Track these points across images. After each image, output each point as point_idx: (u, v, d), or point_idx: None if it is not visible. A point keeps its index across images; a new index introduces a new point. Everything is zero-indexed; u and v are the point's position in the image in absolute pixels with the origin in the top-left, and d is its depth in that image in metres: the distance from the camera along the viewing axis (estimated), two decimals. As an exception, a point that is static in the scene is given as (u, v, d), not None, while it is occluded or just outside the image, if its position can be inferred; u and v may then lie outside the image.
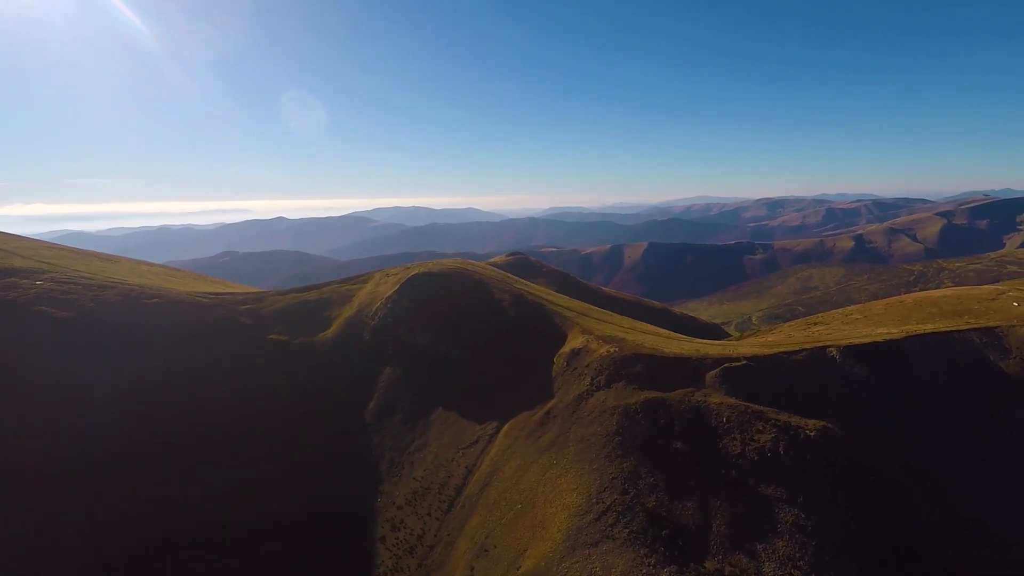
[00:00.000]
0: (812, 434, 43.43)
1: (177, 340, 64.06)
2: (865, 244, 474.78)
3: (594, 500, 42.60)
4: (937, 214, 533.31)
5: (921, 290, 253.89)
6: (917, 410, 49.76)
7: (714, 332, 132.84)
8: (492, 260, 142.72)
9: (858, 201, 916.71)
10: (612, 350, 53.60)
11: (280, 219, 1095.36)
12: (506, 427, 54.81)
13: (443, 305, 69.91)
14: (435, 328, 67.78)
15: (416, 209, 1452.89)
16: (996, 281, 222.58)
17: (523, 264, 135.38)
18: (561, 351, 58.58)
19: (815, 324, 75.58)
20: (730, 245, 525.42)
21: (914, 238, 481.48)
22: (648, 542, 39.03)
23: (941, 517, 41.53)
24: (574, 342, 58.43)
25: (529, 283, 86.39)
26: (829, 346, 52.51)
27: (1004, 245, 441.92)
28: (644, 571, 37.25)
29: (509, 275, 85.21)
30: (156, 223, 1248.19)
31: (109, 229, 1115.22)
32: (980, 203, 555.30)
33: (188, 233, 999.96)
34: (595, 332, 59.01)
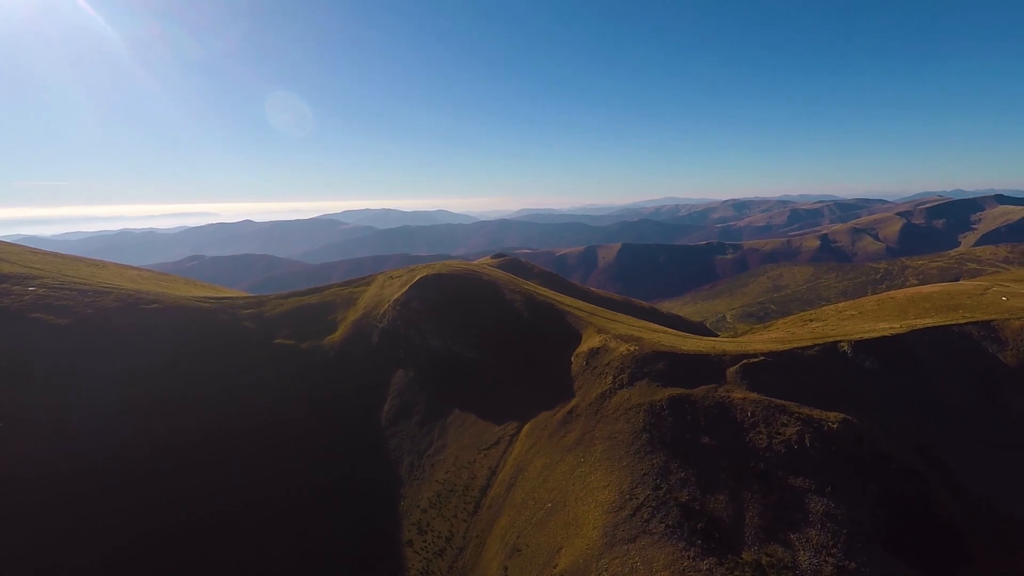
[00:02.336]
0: (835, 426, 44.93)
1: (181, 345, 62.42)
2: (830, 243, 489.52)
3: (627, 496, 43.08)
4: (897, 214, 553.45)
5: (888, 287, 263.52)
6: (925, 401, 51.90)
7: (701, 330, 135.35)
8: (481, 261, 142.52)
9: (820, 202, 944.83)
10: (632, 348, 54.38)
11: (247, 222, 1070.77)
12: (527, 427, 55.01)
13: (454, 306, 69.74)
14: (447, 329, 67.59)
15: (386, 211, 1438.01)
16: (958, 278, 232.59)
17: (515, 265, 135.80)
18: (579, 350, 59.12)
19: (812, 320, 77.95)
20: (701, 245, 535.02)
21: (876, 237, 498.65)
22: (685, 535, 39.68)
23: (957, 502, 43.43)
24: (591, 341, 59.05)
25: (535, 284, 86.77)
26: (840, 341, 54.33)
27: (960, 243, 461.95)
28: (684, 564, 37.82)
29: (515, 276, 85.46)
30: (115, 227, 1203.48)
31: (65, 233, 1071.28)
32: (936, 203, 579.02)
33: (150, 237, 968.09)
34: (611, 331, 59.74)
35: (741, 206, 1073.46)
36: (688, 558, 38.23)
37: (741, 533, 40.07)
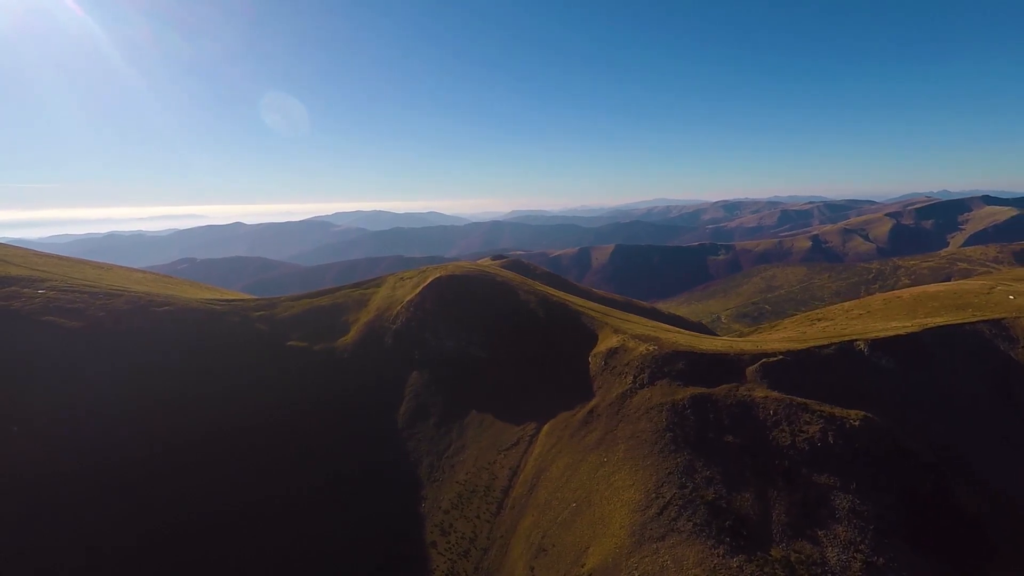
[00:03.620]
0: (856, 423, 45.48)
1: (194, 348, 61.97)
2: (822, 244, 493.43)
3: (653, 495, 43.37)
4: (886, 215, 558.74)
5: (880, 287, 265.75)
6: (940, 398, 52.58)
7: (702, 331, 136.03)
8: (482, 262, 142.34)
9: (810, 203, 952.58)
10: (651, 348, 54.71)
11: (238, 224, 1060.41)
12: (546, 427, 55.17)
13: (468, 307, 69.73)
14: (462, 330, 67.59)
15: (378, 213, 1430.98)
16: (949, 278, 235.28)
17: (518, 266, 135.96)
18: (596, 350, 59.36)
19: (820, 320, 78.70)
20: (694, 246, 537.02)
21: (867, 237, 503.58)
22: (713, 533, 40.01)
23: (978, 496, 43.98)
24: (609, 341, 59.32)
25: (546, 285, 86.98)
26: (856, 340, 54.92)
27: (948, 244, 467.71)
28: (714, 562, 38.13)
29: (527, 278, 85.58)
30: (103, 229, 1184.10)
31: (53, 236, 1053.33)
32: (924, 204, 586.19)
33: (139, 240, 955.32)
34: (628, 331, 60.07)
35: (731, 207, 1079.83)
36: (718, 556, 38.54)
37: (768, 530, 40.44)
